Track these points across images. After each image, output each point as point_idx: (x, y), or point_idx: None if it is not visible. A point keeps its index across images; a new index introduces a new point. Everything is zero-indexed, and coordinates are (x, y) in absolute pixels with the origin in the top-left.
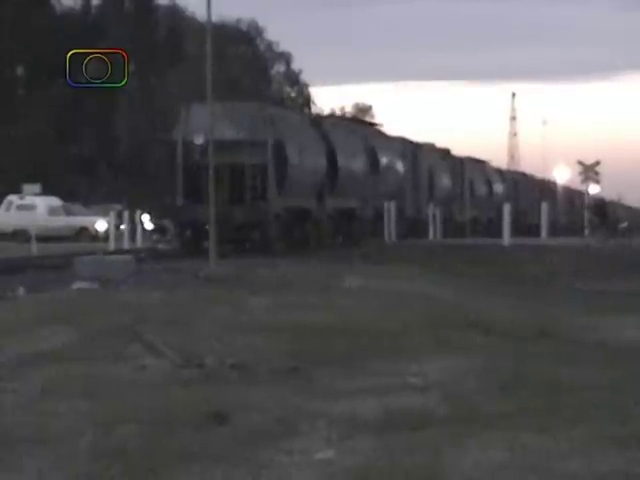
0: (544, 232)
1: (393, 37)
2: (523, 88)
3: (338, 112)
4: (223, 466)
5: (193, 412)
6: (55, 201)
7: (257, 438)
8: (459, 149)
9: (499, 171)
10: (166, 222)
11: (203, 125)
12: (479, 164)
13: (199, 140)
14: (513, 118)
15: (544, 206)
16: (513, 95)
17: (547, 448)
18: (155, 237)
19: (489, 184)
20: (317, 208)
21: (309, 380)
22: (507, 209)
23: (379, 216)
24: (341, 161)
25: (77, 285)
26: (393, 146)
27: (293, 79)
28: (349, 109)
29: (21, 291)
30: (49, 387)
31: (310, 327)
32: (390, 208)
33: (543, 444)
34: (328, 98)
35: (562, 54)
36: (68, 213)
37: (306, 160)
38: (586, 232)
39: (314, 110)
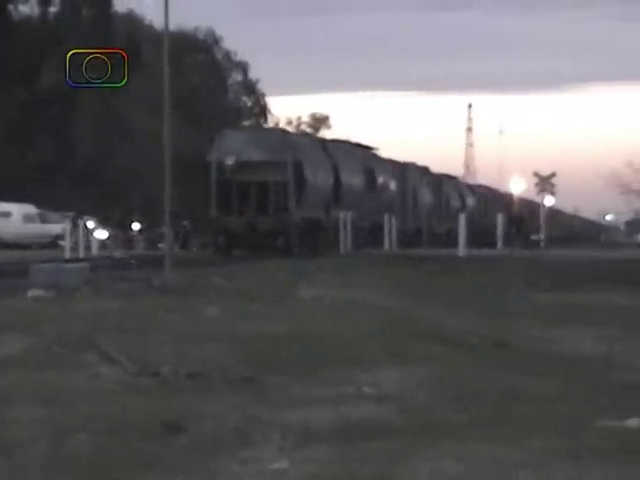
0: (499, 243)
1: (350, 47)
2: (479, 99)
3: (295, 122)
4: (178, 475)
5: (148, 421)
6: (30, 209)
7: (212, 447)
8: (415, 160)
9: (470, 186)
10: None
11: (234, 148)
12: (453, 180)
13: (230, 161)
14: (469, 129)
15: (499, 218)
16: (469, 106)
17: (502, 458)
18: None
19: (462, 198)
20: (325, 218)
21: (264, 389)
22: (462, 220)
23: (374, 227)
24: (344, 179)
25: (32, 293)
26: (386, 167)
27: (250, 88)
28: (306, 119)
29: None
30: (3, 395)
31: (265, 336)
32: (346, 219)
33: (498, 454)
34: (285, 108)
35: (518, 65)
36: (43, 221)
37: (318, 177)
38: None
39: (270, 120)
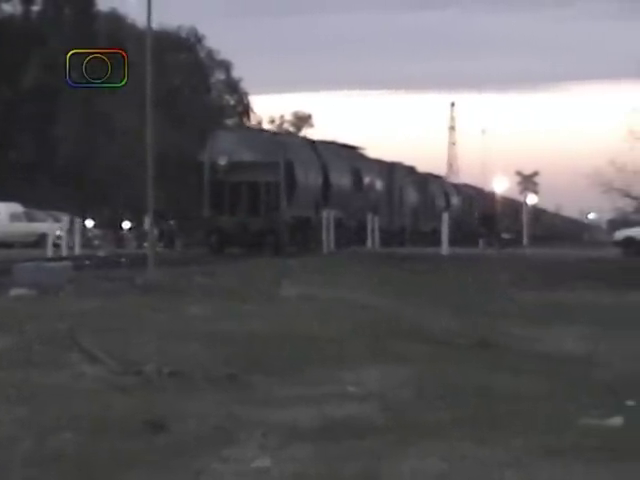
0: (481, 242)
1: (333, 46)
2: (462, 98)
3: (278, 121)
4: (160, 473)
5: (131, 419)
6: (17, 207)
7: (195, 446)
8: (398, 158)
9: (455, 185)
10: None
11: (226, 149)
12: (438, 179)
13: (223, 161)
14: (452, 128)
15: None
16: (452, 105)
17: (485, 457)
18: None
19: (447, 197)
20: (315, 217)
21: (247, 388)
22: (445, 219)
23: (361, 226)
24: (333, 179)
25: (15, 292)
26: (373, 167)
27: (233, 87)
28: (288, 117)
29: None
30: None
31: (248, 335)
32: (329, 218)
33: (481, 453)
34: (268, 106)
35: (501, 64)
36: (30, 219)
37: (308, 178)
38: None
39: (253, 119)
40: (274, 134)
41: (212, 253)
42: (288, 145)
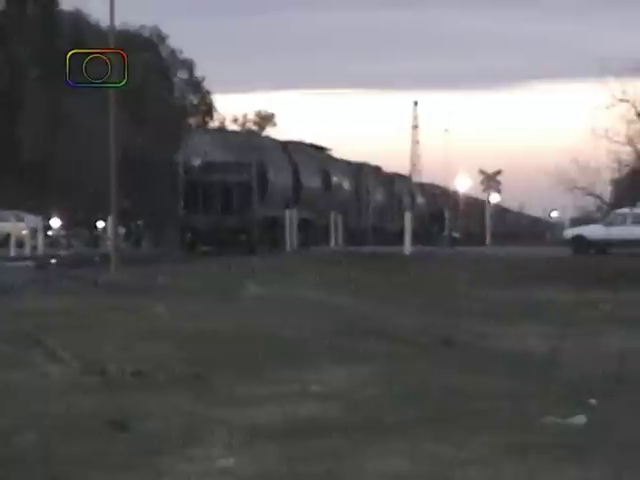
0: (445, 241)
1: (295, 45)
2: (425, 96)
3: (241, 120)
4: (123, 473)
5: (94, 419)
6: None
7: (158, 445)
8: (361, 157)
9: (421, 185)
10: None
11: (200, 149)
12: (404, 179)
13: (197, 161)
14: (415, 126)
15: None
16: (415, 103)
17: (448, 456)
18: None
19: (413, 197)
20: (284, 217)
21: (210, 387)
22: (408, 218)
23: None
24: (303, 180)
25: None
26: (341, 168)
27: (195, 86)
28: (251, 117)
29: None
30: None
31: (211, 335)
32: (292, 216)
33: (444, 452)
34: (231, 106)
35: (464, 63)
36: None
37: (279, 178)
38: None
39: (216, 118)
40: (247, 135)
41: (186, 251)
42: (260, 146)
